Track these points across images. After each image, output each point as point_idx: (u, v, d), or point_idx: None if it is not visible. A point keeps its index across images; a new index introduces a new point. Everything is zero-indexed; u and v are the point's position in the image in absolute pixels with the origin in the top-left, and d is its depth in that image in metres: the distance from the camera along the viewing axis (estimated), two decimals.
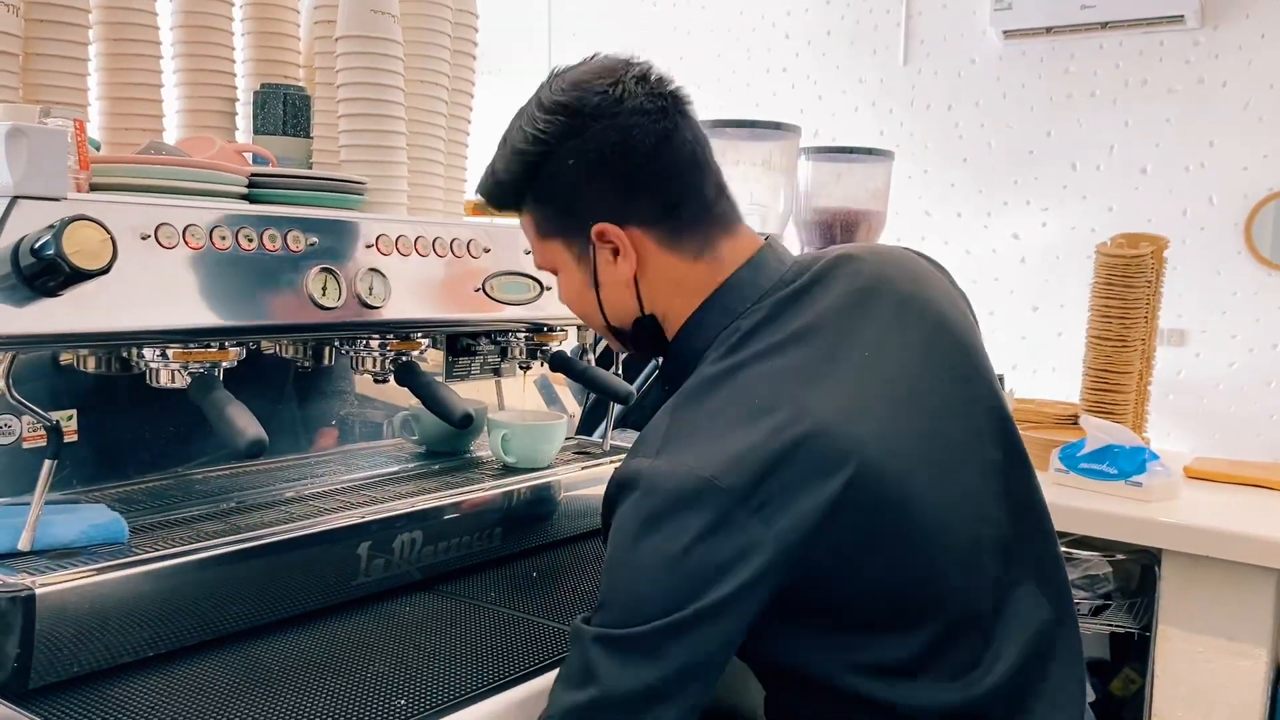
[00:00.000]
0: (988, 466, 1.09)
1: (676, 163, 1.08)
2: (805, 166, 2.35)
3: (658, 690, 0.94)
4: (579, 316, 1.18)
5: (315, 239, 1.18)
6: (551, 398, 1.86)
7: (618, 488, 0.99)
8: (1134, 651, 2.32)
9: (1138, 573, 2.32)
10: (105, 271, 0.93)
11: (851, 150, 2.33)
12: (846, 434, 0.96)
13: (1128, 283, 2.42)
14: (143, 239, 1.02)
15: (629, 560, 0.96)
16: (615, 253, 1.09)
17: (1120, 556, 2.25)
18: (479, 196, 1.16)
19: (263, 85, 1.49)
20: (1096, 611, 2.23)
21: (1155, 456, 2.12)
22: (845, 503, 0.95)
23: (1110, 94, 3.99)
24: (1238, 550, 1.90)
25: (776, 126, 2.12)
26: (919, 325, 1.10)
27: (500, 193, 1.12)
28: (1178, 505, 2.07)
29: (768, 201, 2.17)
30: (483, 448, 1.66)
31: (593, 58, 1.10)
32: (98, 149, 1.33)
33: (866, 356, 1.04)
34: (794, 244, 2.42)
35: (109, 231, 0.93)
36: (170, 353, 1.10)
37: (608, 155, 1.05)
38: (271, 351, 1.38)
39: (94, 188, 1.10)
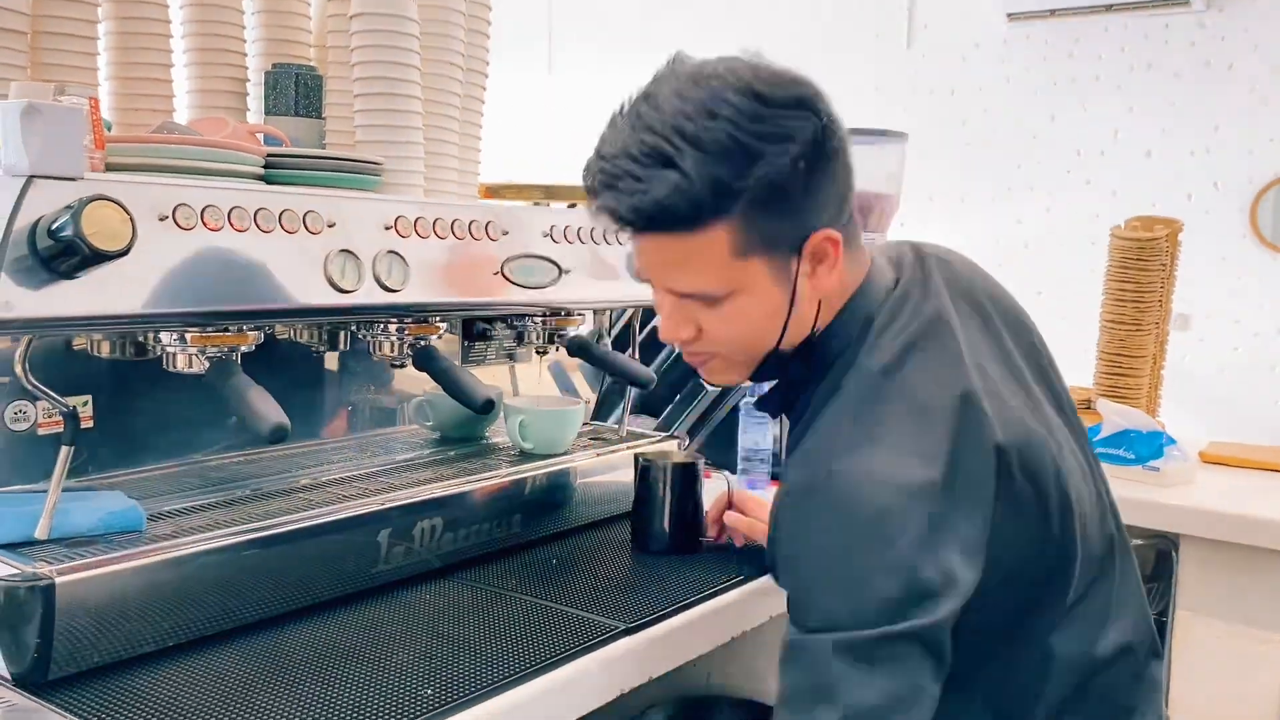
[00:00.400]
0: (1079, 436, 1.16)
1: (848, 150, 1.00)
2: None
3: (902, 697, 0.90)
4: (734, 347, 1.04)
5: (334, 221, 1.15)
6: (565, 383, 1.83)
7: (805, 495, 0.96)
8: None
9: (1153, 558, 2.30)
10: (125, 253, 0.91)
11: (865, 132, 2.30)
12: (1002, 420, 0.99)
13: (1142, 266, 2.40)
14: (160, 220, 1.00)
15: (839, 571, 0.92)
16: (815, 264, 0.99)
17: (1137, 542, 2.23)
18: (621, 217, 0.95)
19: (274, 65, 1.46)
20: None
21: (1172, 441, 2.10)
22: (1012, 485, 0.97)
23: (1115, 78, 3.97)
24: (1257, 535, 1.89)
25: None
26: (995, 313, 1.14)
27: (695, 202, 0.92)
28: (1195, 490, 2.06)
29: None
30: (498, 434, 1.64)
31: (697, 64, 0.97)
32: (109, 130, 1.30)
33: (981, 345, 1.06)
34: None
35: (128, 212, 0.91)
36: (189, 337, 1.08)
37: (832, 151, 0.96)
38: (285, 337, 1.36)
39: (109, 168, 1.07)
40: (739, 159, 0.91)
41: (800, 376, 1.07)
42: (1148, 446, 2.07)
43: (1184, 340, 3.86)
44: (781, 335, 1.02)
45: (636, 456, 1.48)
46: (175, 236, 1.01)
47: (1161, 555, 2.25)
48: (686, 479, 1.45)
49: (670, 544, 1.45)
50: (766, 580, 1.38)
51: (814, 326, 1.03)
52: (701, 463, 1.48)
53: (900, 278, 1.08)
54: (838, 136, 0.97)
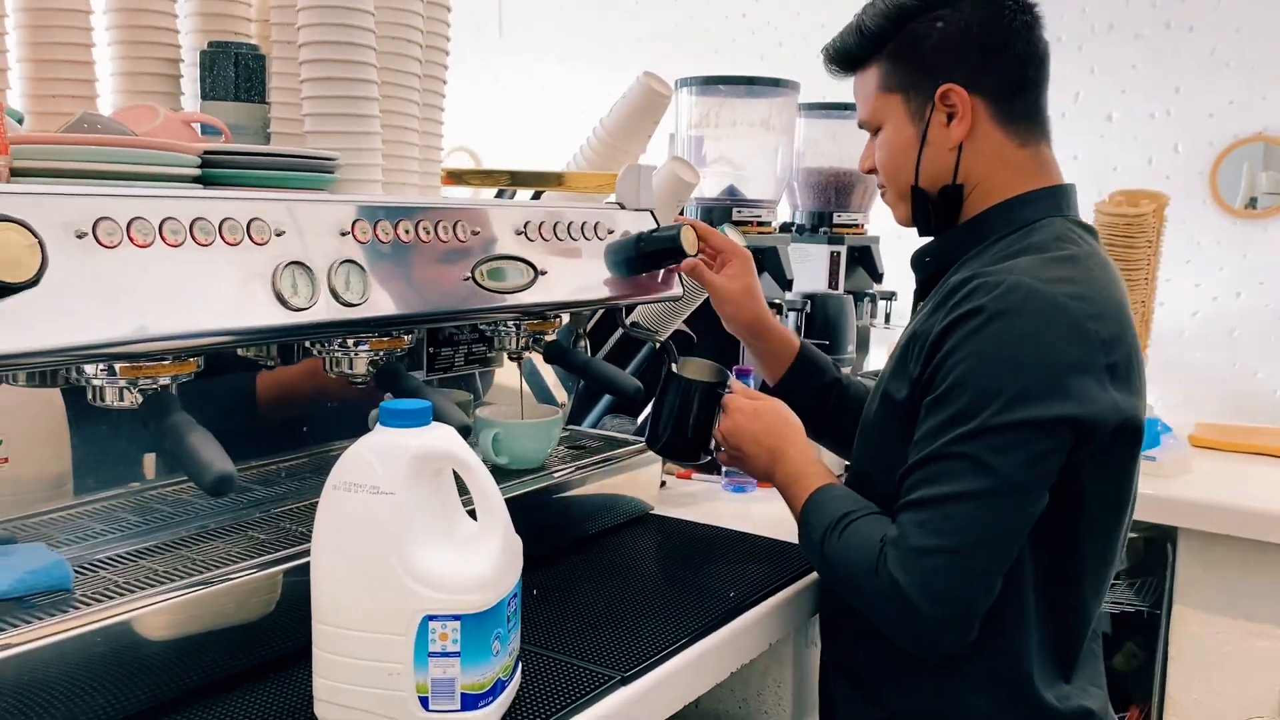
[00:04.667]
0: None
1: (1030, 53, 1.19)
2: (800, 125, 2.20)
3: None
4: (887, 175, 1.26)
5: (282, 229, 1.01)
6: (537, 383, 1.70)
7: (1003, 289, 1.06)
8: (1138, 626, 2.25)
9: (1144, 550, 2.23)
10: (33, 284, 0.76)
11: (847, 107, 2.18)
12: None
13: (1129, 243, 2.33)
14: (78, 237, 0.85)
15: (1009, 354, 1.05)
16: (950, 117, 1.19)
17: (1132, 535, 2.16)
18: (827, 58, 1.28)
19: (210, 44, 1.30)
20: None
21: (1168, 429, 2.03)
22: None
23: (1076, 39, 3.87)
24: (1257, 528, 1.82)
25: (775, 84, 1.96)
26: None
27: (859, 43, 1.23)
28: (1191, 480, 1.99)
29: (764, 165, 2.02)
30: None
31: None
32: (20, 122, 1.14)
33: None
34: (785, 208, 2.27)
35: (36, 234, 0.76)
36: (117, 369, 0.94)
37: (976, 24, 1.17)
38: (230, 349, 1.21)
39: (15, 174, 0.92)
40: (896, 16, 1.20)
41: (968, 236, 1.21)
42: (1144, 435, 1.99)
43: None
44: (917, 172, 1.22)
45: (671, 355, 1.43)
46: (97, 256, 0.86)
47: (1147, 544, 2.19)
48: (705, 399, 1.37)
49: (669, 451, 1.41)
50: (764, 609, 1.28)
51: (954, 178, 1.20)
52: (724, 388, 1.39)
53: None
54: (991, 17, 1.17)
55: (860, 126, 1.29)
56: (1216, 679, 1.91)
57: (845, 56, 1.26)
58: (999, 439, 1.03)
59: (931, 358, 1.10)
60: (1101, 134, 3.91)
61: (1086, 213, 2.44)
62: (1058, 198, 1.20)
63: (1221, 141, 3.68)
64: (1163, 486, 1.93)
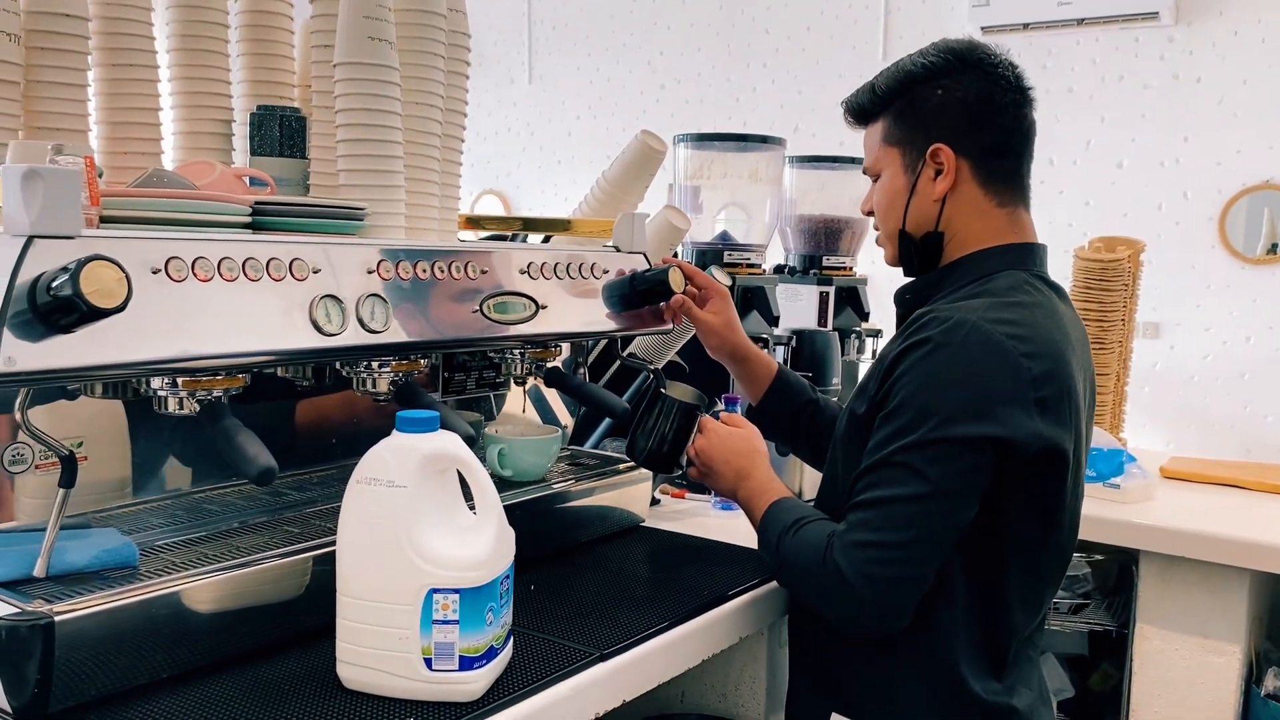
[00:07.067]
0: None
1: (1015, 127, 1.36)
2: (790, 174, 2.38)
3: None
4: (880, 217, 1.44)
5: (319, 267, 1.20)
6: (545, 408, 1.88)
7: (952, 322, 1.23)
8: (1112, 648, 2.38)
9: (1115, 572, 2.37)
10: (121, 309, 0.95)
11: (834, 159, 2.36)
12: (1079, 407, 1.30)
13: (1105, 286, 2.47)
14: (153, 273, 1.05)
15: (948, 380, 1.22)
16: (938, 173, 1.35)
17: (1098, 557, 2.30)
18: (845, 110, 1.46)
19: (259, 107, 1.51)
20: (1076, 610, 2.28)
21: (1132, 459, 2.17)
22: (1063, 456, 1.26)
23: (1087, 90, 4.03)
24: (1212, 551, 1.96)
25: (763, 140, 2.15)
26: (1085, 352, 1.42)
27: (870, 99, 1.41)
28: (1154, 507, 2.13)
29: (753, 212, 2.21)
30: None
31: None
32: (100, 175, 1.35)
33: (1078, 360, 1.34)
34: (778, 252, 2.45)
35: (124, 270, 0.95)
36: (179, 382, 1.13)
37: (971, 96, 1.34)
38: (271, 371, 1.41)
39: (103, 220, 1.12)
40: (904, 80, 1.37)
41: (943, 279, 1.38)
42: (1108, 464, 2.14)
43: (1155, 348, 3.93)
44: (905, 217, 1.39)
45: (660, 380, 1.59)
46: (168, 288, 1.06)
47: (1123, 569, 2.32)
48: (683, 418, 1.55)
49: (646, 460, 1.58)
50: (734, 605, 1.44)
51: (935, 226, 1.37)
52: (701, 410, 1.57)
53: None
54: (984, 93, 1.33)
55: (864, 173, 1.47)
56: (1178, 694, 2.04)
57: (858, 110, 1.44)
58: (933, 451, 1.20)
59: (886, 379, 1.28)
60: (1113, 180, 4.06)
61: (1076, 245, 2.60)
62: (1022, 254, 1.36)
63: (1230, 189, 3.82)
64: (1127, 512, 2.07)
